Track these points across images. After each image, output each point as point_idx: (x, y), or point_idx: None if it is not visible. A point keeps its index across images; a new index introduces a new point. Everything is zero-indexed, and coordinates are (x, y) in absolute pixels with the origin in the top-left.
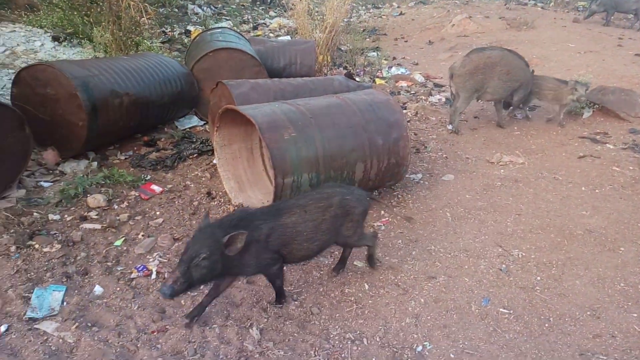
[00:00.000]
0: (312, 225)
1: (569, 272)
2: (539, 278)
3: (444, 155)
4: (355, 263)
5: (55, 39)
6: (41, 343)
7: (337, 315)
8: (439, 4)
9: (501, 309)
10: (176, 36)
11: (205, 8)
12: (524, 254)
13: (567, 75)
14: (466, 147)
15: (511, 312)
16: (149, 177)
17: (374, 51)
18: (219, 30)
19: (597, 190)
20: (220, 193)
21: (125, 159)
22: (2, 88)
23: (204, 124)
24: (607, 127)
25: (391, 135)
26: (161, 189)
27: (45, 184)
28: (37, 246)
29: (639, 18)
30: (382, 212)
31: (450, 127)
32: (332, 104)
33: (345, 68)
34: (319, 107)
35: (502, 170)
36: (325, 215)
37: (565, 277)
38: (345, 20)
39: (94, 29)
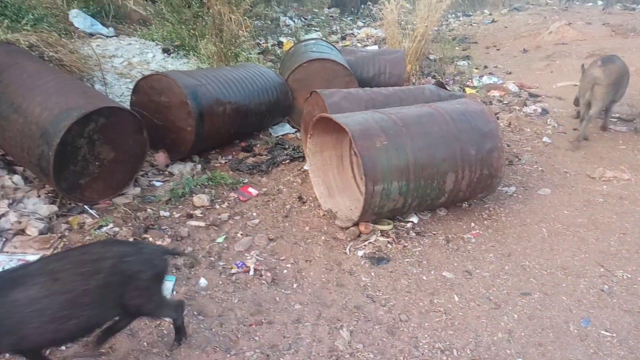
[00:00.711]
0: (64, 300)
1: None
2: None
3: (540, 169)
4: (444, 274)
5: (164, 50)
6: (155, 326)
7: (426, 324)
8: (534, 10)
9: (603, 332)
10: (270, 47)
11: (296, 20)
12: (629, 276)
13: None
14: (565, 160)
15: (614, 335)
16: (246, 180)
17: (464, 60)
18: (312, 41)
19: None
20: (311, 198)
21: (225, 162)
22: (121, 95)
23: (296, 131)
24: None
25: (485, 146)
26: (257, 192)
27: (157, 184)
28: (150, 239)
29: None
30: (473, 224)
31: (578, 139)
32: (424, 113)
33: (434, 77)
34: (410, 116)
35: (604, 186)
36: (88, 284)
37: None
38: (435, 28)
39: (199, 41)
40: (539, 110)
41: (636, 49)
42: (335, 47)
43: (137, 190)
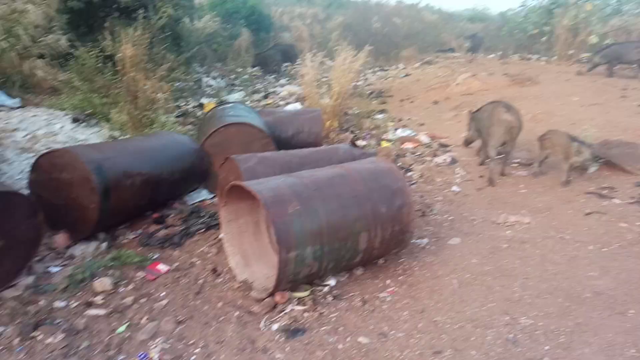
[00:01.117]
0: None
1: (578, 340)
2: (547, 347)
3: (450, 218)
4: (359, 339)
5: (75, 120)
6: None
7: None
8: (443, 63)
9: None
10: (190, 110)
11: (219, 80)
12: (532, 322)
13: (572, 129)
14: (472, 207)
15: None
16: (156, 255)
17: (380, 113)
18: (230, 105)
19: (604, 249)
20: (226, 269)
21: (135, 237)
22: (22, 173)
23: (213, 197)
24: (614, 182)
25: (395, 203)
26: (167, 268)
27: (55, 269)
28: (40, 337)
29: None
30: (388, 281)
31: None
32: (336, 174)
33: (352, 132)
34: (322, 178)
35: (508, 232)
36: None
37: (574, 345)
38: (353, 84)
39: (112, 109)
40: (449, 159)
41: (532, 97)
42: (253, 109)
43: (31, 279)
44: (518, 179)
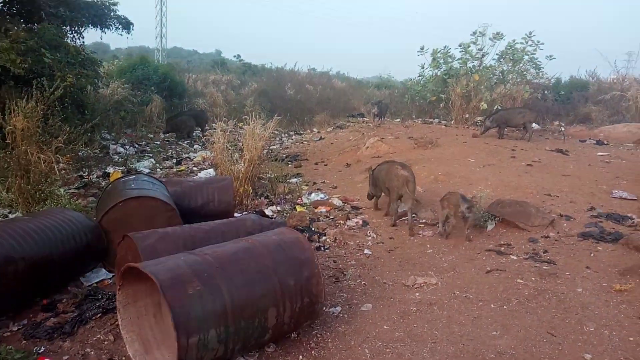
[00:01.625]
0: None
1: None
2: None
3: (363, 282)
4: None
5: None
6: None
7: None
8: (354, 127)
9: None
10: (94, 180)
11: (128, 147)
12: None
13: (470, 189)
14: (384, 270)
15: None
16: (43, 349)
17: (295, 177)
18: (133, 177)
19: (505, 307)
20: (124, 358)
21: (18, 329)
22: None
23: (113, 276)
24: (510, 238)
25: (303, 274)
26: None
27: None
28: None
29: (528, 130)
30: (301, 356)
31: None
32: (241, 249)
33: (266, 197)
34: (227, 254)
35: (417, 294)
36: None
37: None
38: (267, 149)
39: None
40: (361, 222)
41: (434, 159)
42: (158, 180)
43: None
44: (425, 239)
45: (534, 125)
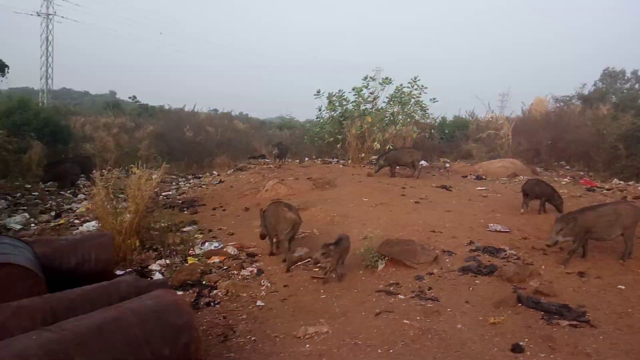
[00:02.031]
0: None
1: None
2: None
3: (253, 338)
4: None
5: None
6: None
7: None
8: (255, 169)
9: None
10: None
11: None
12: None
13: (363, 229)
14: (276, 322)
15: None
16: None
17: (190, 225)
18: None
19: (391, 350)
20: None
21: None
22: None
23: None
24: (399, 277)
25: (180, 341)
26: None
27: None
28: None
29: (416, 168)
30: None
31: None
32: (107, 320)
33: (155, 250)
34: (90, 328)
35: (307, 345)
36: None
37: None
38: (161, 195)
39: None
40: (255, 271)
41: (331, 199)
42: (25, 241)
43: None
44: (318, 284)
45: (422, 162)
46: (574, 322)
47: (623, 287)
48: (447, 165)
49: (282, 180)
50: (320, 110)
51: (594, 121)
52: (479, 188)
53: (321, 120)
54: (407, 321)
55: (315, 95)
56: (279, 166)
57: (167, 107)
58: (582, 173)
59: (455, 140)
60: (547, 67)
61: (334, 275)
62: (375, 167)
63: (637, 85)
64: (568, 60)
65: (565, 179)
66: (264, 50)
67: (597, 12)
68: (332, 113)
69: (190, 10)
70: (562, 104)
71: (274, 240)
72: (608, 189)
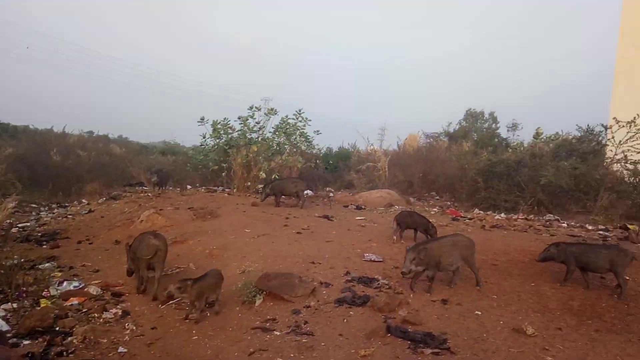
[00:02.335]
0: None
1: None
2: None
3: None
4: None
5: None
6: None
7: None
8: (130, 198)
9: None
10: None
11: None
12: None
13: (242, 262)
14: None
15: None
16: None
17: (48, 261)
18: None
19: None
20: None
21: None
22: None
23: None
24: (276, 312)
25: None
26: None
27: None
28: None
29: (300, 198)
30: None
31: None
32: None
33: (1, 292)
34: None
35: None
36: None
37: None
38: (16, 226)
39: None
40: (120, 312)
41: (212, 231)
42: None
43: None
44: (191, 325)
45: (308, 192)
46: (437, 350)
47: (480, 313)
48: (332, 194)
49: (160, 210)
50: (204, 137)
51: (458, 156)
52: (358, 218)
53: (205, 148)
54: (280, 359)
55: (198, 122)
56: (158, 195)
57: (32, 127)
58: (449, 203)
59: (338, 170)
60: (419, 104)
61: (194, 313)
62: (261, 195)
63: (493, 125)
64: (437, 99)
65: (434, 209)
66: (147, 72)
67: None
68: (217, 141)
69: (69, 26)
70: (431, 139)
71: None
72: (470, 218)
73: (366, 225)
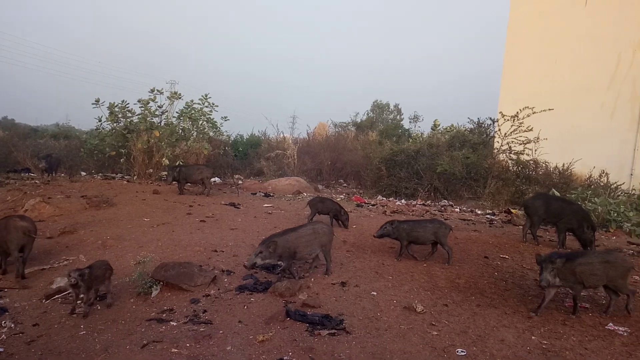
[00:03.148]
0: None
1: None
2: None
3: None
4: None
5: None
6: None
7: None
8: (14, 186)
9: None
10: None
11: None
12: None
13: (139, 252)
14: None
15: None
16: None
17: None
18: None
19: None
20: None
21: None
22: None
23: None
24: (174, 302)
25: None
26: None
27: None
28: None
29: (206, 186)
30: None
31: None
32: None
33: None
34: None
35: None
36: None
37: None
38: None
39: None
40: None
41: (106, 220)
42: None
43: None
44: (78, 319)
45: (216, 179)
46: (333, 331)
47: (375, 294)
48: (240, 182)
49: (49, 198)
50: (100, 120)
51: (363, 145)
52: (265, 205)
53: (102, 132)
54: (175, 350)
55: (93, 104)
56: (47, 182)
57: None
58: (355, 190)
59: (248, 158)
60: (329, 95)
61: (82, 306)
62: (168, 179)
63: (398, 117)
64: (347, 91)
65: (341, 196)
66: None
67: (374, 49)
68: (115, 125)
69: None
70: (340, 129)
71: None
72: (373, 205)
73: (273, 213)
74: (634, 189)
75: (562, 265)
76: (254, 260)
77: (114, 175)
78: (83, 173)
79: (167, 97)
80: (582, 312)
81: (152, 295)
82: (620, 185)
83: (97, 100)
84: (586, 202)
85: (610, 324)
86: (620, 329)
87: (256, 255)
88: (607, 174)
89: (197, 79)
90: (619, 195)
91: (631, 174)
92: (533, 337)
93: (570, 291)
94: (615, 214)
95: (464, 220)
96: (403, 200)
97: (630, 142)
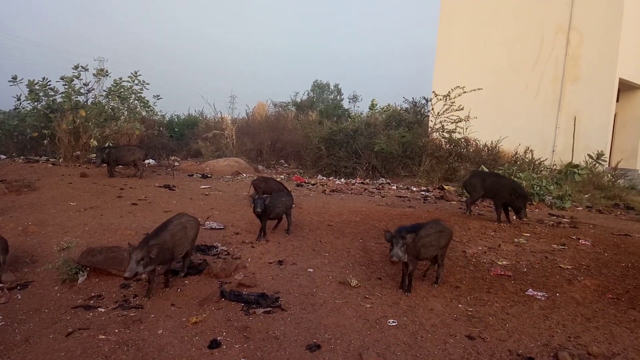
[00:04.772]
0: None
1: None
2: None
3: None
4: None
5: None
6: None
7: None
8: None
9: None
10: None
11: None
12: None
13: (63, 238)
14: None
15: None
16: None
17: None
18: None
19: None
20: None
21: None
22: None
23: None
24: (102, 288)
25: None
26: None
27: None
28: None
29: (139, 168)
30: None
31: None
32: None
33: None
34: None
35: None
36: None
37: None
38: None
39: None
40: None
41: (28, 205)
42: None
43: None
44: None
45: (150, 160)
46: (268, 309)
47: (312, 270)
48: (177, 163)
49: None
50: (19, 99)
51: (303, 125)
52: (202, 186)
53: (21, 112)
54: (103, 336)
55: (10, 82)
56: None
57: None
58: (296, 170)
59: (185, 138)
60: (268, 75)
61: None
62: (97, 160)
63: (338, 97)
64: (287, 71)
65: (281, 176)
66: None
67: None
68: (36, 104)
69: None
70: (280, 109)
71: None
72: (313, 184)
73: (210, 194)
74: (556, 165)
75: (412, 240)
76: (134, 269)
77: (37, 158)
78: (2, 156)
79: (94, 74)
80: (505, 280)
81: (79, 282)
82: (544, 161)
83: (15, 78)
84: (512, 177)
85: (530, 289)
86: (539, 294)
87: (137, 263)
88: (531, 150)
89: (127, 55)
90: (542, 171)
91: (553, 151)
92: (460, 305)
93: (407, 268)
94: (538, 188)
95: (400, 197)
96: (342, 179)
97: (552, 120)
